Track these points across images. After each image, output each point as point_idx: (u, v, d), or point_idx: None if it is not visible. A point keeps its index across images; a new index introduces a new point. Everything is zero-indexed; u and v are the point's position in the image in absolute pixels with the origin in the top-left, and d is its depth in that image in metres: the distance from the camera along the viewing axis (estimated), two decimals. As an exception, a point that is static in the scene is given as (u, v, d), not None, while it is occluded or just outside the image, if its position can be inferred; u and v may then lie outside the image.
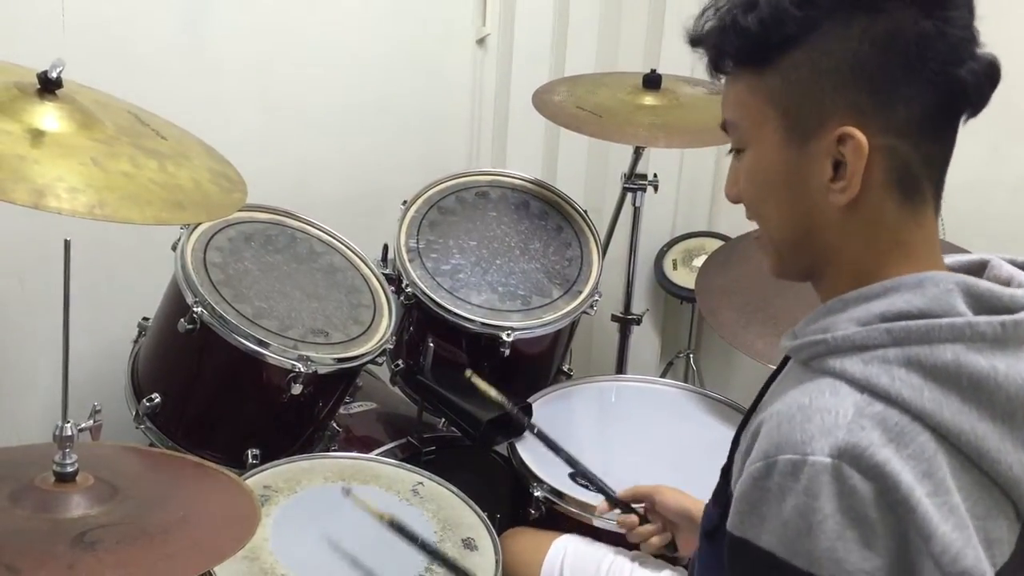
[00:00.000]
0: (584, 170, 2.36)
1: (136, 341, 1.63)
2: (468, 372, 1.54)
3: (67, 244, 1.02)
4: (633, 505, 1.37)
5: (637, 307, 2.13)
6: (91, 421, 1.06)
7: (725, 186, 0.92)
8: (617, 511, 1.39)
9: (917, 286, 0.80)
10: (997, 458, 0.77)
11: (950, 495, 0.76)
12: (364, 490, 1.45)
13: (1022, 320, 0.78)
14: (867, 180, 0.81)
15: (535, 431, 1.51)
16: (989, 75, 0.82)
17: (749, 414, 0.96)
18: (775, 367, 0.98)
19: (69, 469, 1.02)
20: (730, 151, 0.91)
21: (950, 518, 0.75)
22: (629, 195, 2.01)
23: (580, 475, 1.47)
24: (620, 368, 2.13)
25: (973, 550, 0.76)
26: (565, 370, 1.91)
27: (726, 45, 0.86)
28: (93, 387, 1.74)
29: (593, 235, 1.87)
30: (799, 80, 0.82)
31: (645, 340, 2.41)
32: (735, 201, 0.91)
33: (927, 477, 0.75)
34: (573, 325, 1.83)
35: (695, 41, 0.88)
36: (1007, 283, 0.84)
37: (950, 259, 0.89)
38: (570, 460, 1.46)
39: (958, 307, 0.79)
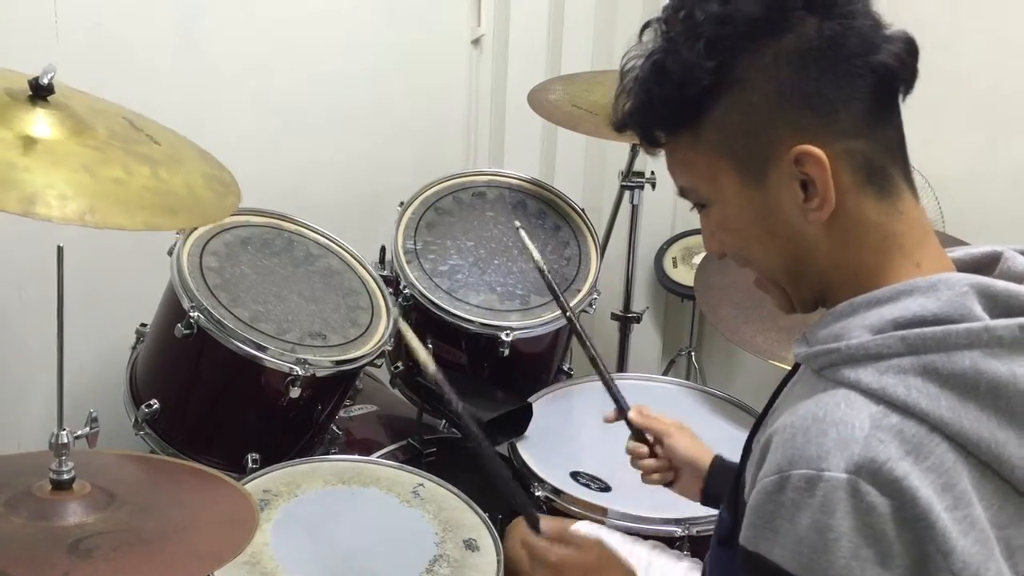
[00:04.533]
0: (582, 169, 2.36)
1: (134, 347, 1.63)
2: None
3: (60, 251, 1.02)
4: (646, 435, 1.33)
5: (637, 305, 2.12)
6: (87, 428, 1.05)
7: (704, 244, 0.92)
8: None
9: (930, 289, 0.78)
10: (1019, 464, 0.76)
11: (971, 507, 0.74)
12: (363, 496, 1.44)
13: None
14: (838, 187, 0.81)
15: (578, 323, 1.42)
16: (909, 51, 0.82)
17: (760, 420, 0.95)
18: (776, 363, 0.97)
19: (65, 477, 1.01)
20: (692, 208, 0.91)
21: (970, 532, 0.73)
22: (627, 193, 2.01)
23: (606, 385, 1.37)
24: (621, 366, 2.13)
25: (995, 563, 0.74)
26: (566, 369, 1.91)
27: (652, 120, 0.86)
28: (93, 394, 1.74)
29: (591, 233, 1.87)
30: (734, 123, 0.82)
31: (646, 338, 2.40)
32: (720, 255, 0.91)
33: (946, 490, 0.73)
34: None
35: (620, 127, 0.88)
36: (1022, 278, 0.82)
37: (961, 252, 0.87)
38: (604, 379, 1.38)
39: (974, 311, 0.77)
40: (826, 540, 0.73)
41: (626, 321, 2.10)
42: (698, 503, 1.29)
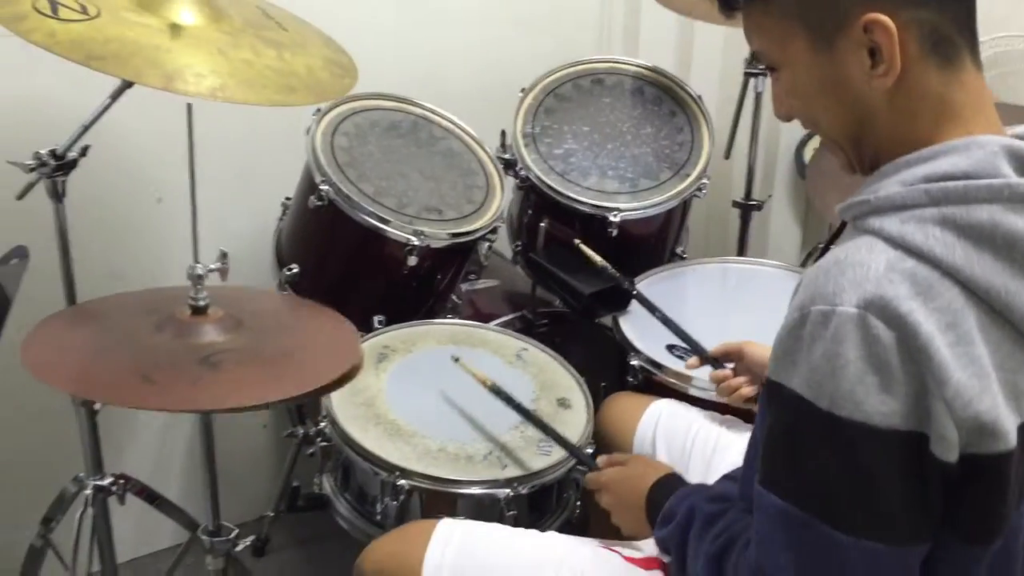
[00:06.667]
0: (719, 61, 2.34)
1: (280, 218, 1.83)
2: (576, 241, 1.64)
3: (189, 107, 1.19)
4: (724, 362, 1.46)
5: (760, 193, 2.13)
6: (219, 264, 1.24)
7: (773, 108, 0.97)
8: (708, 368, 1.48)
9: (964, 149, 0.83)
10: None
11: (973, 346, 0.80)
12: (472, 356, 1.58)
13: None
14: (904, 56, 0.84)
15: (635, 293, 1.61)
16: None
17: None
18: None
19: (201, 303, 1.21)
20: (766, 73, 0.95)
21: (969, 367, 0.79)
22: (752, 81, 2.01)
23: (675, 334, 1.56)
24: (741, 252, 2.15)
25: (991, 397, 0.80)
26: (679, 252, 1.96)
27: None
28: (248, 260, 1.91)
29: (706, 120, 1.89)
30: None
31: (786, 230, 2.40)
32: (787, 119, 0.96)
33: (950, 328, 0.79)
34: (685, 208, 1.88)
35: None
36: None
37: (1017, 129, 0.89)
38: (665, 320, 1.56)
39: (1002, 169, 0.81)
40: (835, 367, 0.81)
41: (747, 209, 2.11)
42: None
